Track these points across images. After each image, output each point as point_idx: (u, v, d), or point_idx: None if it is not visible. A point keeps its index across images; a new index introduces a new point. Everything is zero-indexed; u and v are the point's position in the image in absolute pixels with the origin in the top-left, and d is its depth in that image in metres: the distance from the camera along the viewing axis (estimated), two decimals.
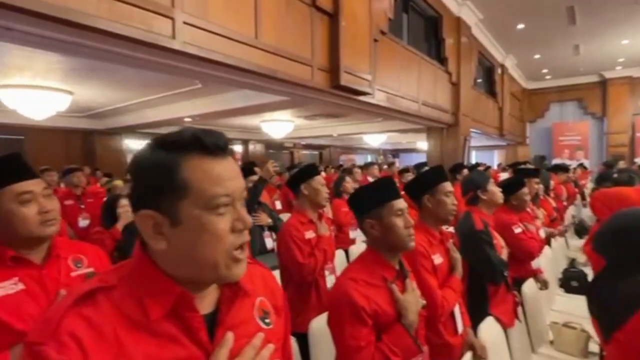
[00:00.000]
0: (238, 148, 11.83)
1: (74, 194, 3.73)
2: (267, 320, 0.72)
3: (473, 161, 9.60)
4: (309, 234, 1.99)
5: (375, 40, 4.99)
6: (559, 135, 12.95)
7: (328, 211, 3.89)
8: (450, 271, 1.64)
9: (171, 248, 0.59)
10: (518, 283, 2.31)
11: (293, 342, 1.66)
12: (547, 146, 13.06)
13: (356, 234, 3.69)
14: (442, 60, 7.33)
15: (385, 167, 8.61)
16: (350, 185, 3.98)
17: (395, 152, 19.06)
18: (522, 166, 6.02)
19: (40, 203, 1.08)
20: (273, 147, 13.01)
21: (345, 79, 4.37)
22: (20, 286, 1.03)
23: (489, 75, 10.39)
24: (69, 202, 3.60)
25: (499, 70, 10.47)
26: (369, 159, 17.03)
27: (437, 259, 1.59)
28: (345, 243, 3.43)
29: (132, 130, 8.61)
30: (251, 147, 12.18)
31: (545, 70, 11.90)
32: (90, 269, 1.18)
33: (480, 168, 5.24)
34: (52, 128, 7.60)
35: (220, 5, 3.18)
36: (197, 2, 3.00)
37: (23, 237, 1.06)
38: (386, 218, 1.27)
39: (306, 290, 1.94)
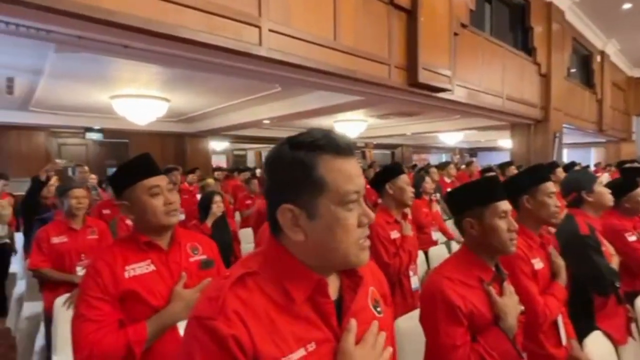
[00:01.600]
0: None
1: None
2: (378, 309, 0.76)
3: (565, 160, 8.68)
4: (394, 234, 1.98)
5: (456, 34, 4.77)
6: None
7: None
8: (553, 278, 1.52)
9: (307, 239, 0.65)
10: (630, 298, 2.05)
11: None
12: None
13: (438, 235, 3.57)
14: (529, 51, 6.75)
15: (462, 166, 8.18)
16: (430, 185, 3.86)
17: (473, 151, 17.98)
18: (629, 165, 5.30)
19: (165, 196, 1.24)
20: None
21: (423, 76, 4.26)
22: (152, 267, 1.19)
23: (585, 64, 9.30)
24: None
25: (598, 58, 9.32)
26: (444, 158, 16.30)
27: (538, 264, 1.48)
28: (425, 244, 3.35)
29: (217, 132, 9.32)
30: None
31: None
32: (204, 257, 1.32)
33: (577, 168, 4.72)
34: (151, 132, 8.54)
35: (302, 10, 3.30)
36: (281, 10, 3.15)
37: (153, 225, 1.22)
38: (488, 219, 1.22)
39: (391, 291, 1.94)
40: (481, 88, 5.54)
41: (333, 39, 3.58)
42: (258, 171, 7.73)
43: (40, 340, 2.50)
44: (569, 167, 4.76)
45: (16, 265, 4.10)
